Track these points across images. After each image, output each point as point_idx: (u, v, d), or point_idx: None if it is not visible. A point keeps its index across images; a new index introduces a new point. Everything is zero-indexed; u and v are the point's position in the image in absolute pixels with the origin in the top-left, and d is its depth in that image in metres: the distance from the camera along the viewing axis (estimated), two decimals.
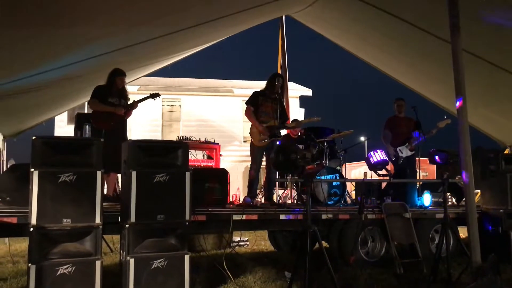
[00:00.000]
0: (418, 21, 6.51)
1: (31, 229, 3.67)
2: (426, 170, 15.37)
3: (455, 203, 7.26)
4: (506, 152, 9.44)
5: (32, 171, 3.70)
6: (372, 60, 9.50)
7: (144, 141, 4.33)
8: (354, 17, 7.54)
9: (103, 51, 6.17)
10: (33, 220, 3.66)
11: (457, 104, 4.39)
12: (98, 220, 3.90)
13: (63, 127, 16.76)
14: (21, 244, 7.27)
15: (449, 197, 7.30)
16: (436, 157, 5.19)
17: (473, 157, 4.52)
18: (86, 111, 12.00)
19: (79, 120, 7.08)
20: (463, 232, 6.78)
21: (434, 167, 8.24)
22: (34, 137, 3.81)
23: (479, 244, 4.26)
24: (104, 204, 4.11)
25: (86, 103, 11.23)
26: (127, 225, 3.96)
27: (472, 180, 4.37)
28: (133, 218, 3.95)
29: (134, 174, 3.99)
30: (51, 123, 16.07)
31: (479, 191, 6.80)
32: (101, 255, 3.95)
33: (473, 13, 5.47)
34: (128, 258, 3.90)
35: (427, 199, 6.35)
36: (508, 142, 9.81)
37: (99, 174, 3.96)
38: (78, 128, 6.90)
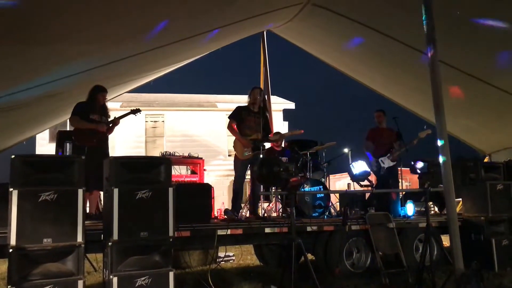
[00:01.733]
0: (395, 33, 6.66)
1: (10, 250, 3.60)
2: (409, 180, 15.51)
3: (437, 211, 7.34)
4: (485, 160, 9.61)
5: (11, 191, 3.65)
6: (352, 73, 9.64)
7: (125, 158, 4.32)
8: (333, 30, 7.66)
9: (84, 68, 6.14)
10: (12, 241, 3.60)
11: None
12: (80, 239, 3.85)
13: (45, 145, 16.52)
14: (1, 266, 7.10)
15: (432, 206, 7.38)
16: (417, 166, 5.27)
17: (453, 166, 4.60)
18: (68, 129, 11.88)
19: (60, 137, 7.01)
20: (447, 241, 6.84)
21: (416, 176, 8.34)
22: (13, 156, 3.76)
23: (461, 252, 4.32)
24: (86, 222, 4.06)
25: (67, 121, 11.13)
26: (109, 243, 3.91)
27: (453, 189, 4.44)
28: (115, 236, 3.91)
29: (116, 191, 3.96)
30: (32, 141, 15.84)
31: (461, 199, 6.90)
32: (83, 274, 3.89)
33: (449, 25, 5.62)
34: (111, 276, 3.85)
35: (410, 208, 6.41)
36: (487, 151, 10.00)
37: (80, 192, 3.92)
38: (60, 146, 6.82)
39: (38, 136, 15.47)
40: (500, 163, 6.66)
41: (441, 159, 4.45)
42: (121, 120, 6.03)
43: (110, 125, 5.92)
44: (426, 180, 5.24)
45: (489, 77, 6.93)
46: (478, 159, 9.03)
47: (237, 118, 6.13)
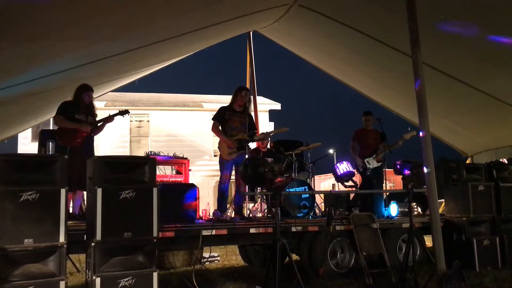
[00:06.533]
0: (380, 35, 6.72)
1: None
2: (393, 181, 15.67)
3: (420, 212, 7.42)
4: (467, 162, 9.76)
5: None
6: (337, 74, 9.71)
7: (109, 157, 4.27)
8: (319, 32, 7.71)
9: (68, 66, 6.07)
10: None
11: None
12: (62, 239, 3.79)
13: (27, 145, 16.25)
14: None
15: (415, 206, 7.46)
16: (400, 168, 5.32)
17: (436, 167, 4.66)
18: (51, 128, 11.71)
19: (43, 137, 6.90)
20: (430, 241, 6.93)
21: (400, 177, 8.43)
22: None
23: (443, 252, 4.38)
24: (69, 222, 4.01)
25: (51, 120, 10.98)
26: (93, 244, 3.87)
27: (435, 189, 4.50)
28: (99, 236, 3.86)
29: (99, 191, 3.92)
30: (14, 140, 15.55)
31: (443, 200, 6.99)
32: (65, 275, 3.84)
33: (432, 28, 5.69)
34: (94, 277, 3.80)
35: (393, 209, 6.47)
36: (469, 152, 10.16)
37: (63, 191, 3.86)
38: (42, 145, 6.71)
39: (20, 135, 15.21)
40: (482, 165, 6.76)
41: (424, 161, 4.51)
42: (114, 118, 5.91)
43: (98, 124, 5.84)
44: (409, 181, 5.29)
45: (472, 80, 7.04)
46: (460, 161, 9.17)
47: (221, 119, 6.10)
